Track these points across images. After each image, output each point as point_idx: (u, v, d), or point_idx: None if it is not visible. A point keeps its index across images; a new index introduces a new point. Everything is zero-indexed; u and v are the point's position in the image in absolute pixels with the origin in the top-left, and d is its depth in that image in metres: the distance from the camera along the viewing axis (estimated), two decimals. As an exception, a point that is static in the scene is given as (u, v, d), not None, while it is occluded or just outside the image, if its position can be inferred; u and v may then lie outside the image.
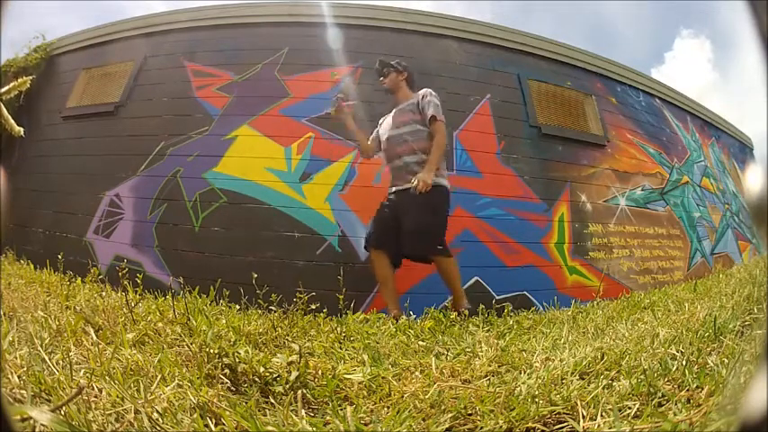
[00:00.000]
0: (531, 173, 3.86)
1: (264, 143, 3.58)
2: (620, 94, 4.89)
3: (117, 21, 4.58)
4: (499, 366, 1.13)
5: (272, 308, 1.67)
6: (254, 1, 4.22)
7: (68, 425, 0.60)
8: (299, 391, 0.86)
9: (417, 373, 1.06)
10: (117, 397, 0.73)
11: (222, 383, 0.94)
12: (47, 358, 0.88)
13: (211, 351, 1.01)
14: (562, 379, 0.95)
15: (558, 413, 0.79)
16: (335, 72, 2.59)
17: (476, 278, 3.36)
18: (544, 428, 0.76)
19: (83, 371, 0.85)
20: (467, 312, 2.12)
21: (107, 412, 0.69)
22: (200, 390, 0.82)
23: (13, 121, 1.06)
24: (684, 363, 0.95)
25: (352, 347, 1.37)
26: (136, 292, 1.92)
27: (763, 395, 0.29)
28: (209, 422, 0.72)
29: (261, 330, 1.47)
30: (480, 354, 1.23)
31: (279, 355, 1.06)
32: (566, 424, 0.76)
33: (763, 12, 0.34)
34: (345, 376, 1.00)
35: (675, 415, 0.73)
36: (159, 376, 0.87)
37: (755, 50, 0.35)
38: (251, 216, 3.40)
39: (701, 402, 0.78)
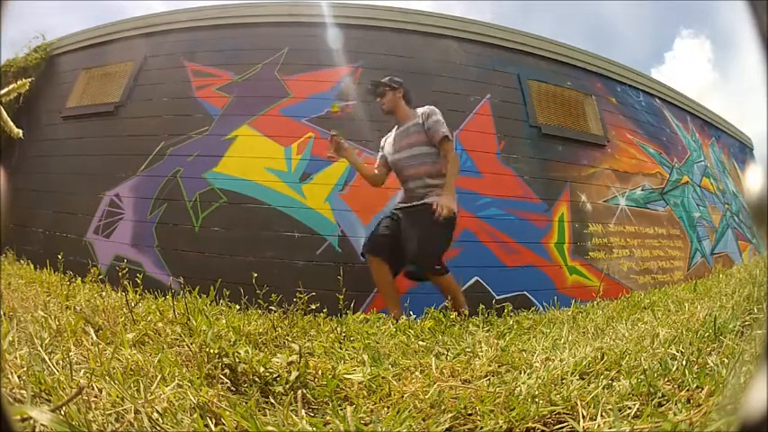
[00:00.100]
0: (531, 173, 3.86)
1: (264, 143, 3.58)
2: (620, 94, 4.89)
3: (117, 21, 4.58)
4: (499, 366, 1.13)
5: (272, 308, 1.67)
6: (254, 1, 4.22)
7: (68, 425, 0.60)
8: (299, 391, 0.86)
9: (417, 373, 1.06)
10: (117, 397, 0.73)
11: (222, 383, 0.94)
12: (47, 358, 0.88)
13: (211, 351, 1.01)
14: (562, 379, 0.95)
15: (558, 413, 0.79)
16: (335, 104, 2.50)
17: (476, 278, 3.36)
18: (544, 428, 0.76)
19: (83, 371, 0.85)
20: (467, 312, 2.12)
21: (107, 412, 0.69)
22: (200, 390, 0.82)
23: (12, 123, 1.06)
24: (684, 363, 0.95)
25: (352, 347, 1.37)
26: (136, 292, 1.92)
27: (763, 395, 0.29)
28: (209, 422, 0.72)
29: (261, 330, 1.47)
30: (480, 354, 1.23)
31: (279, 355, 1.06)
32: (566, 424, 0.76)
33: (763, 12, 0.34)
34: (345, 376, 1.00)
35: (675, 415, 0.73)
36: (159, 376, 0.86)
37: (755, 50, 0.35)
38: (251, 216, 3.41)
39: (701, 402, 0.78)
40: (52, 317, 1.24)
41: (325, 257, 3.29)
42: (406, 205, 2.48)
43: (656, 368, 0.95)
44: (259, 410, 0.83)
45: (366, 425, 0.76)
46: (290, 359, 1.01)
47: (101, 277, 2.13)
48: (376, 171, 2.67)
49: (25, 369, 0.78)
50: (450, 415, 0.79)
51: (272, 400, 0.88)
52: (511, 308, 2.26)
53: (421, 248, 2.28)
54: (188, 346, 1.12)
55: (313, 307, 1.71)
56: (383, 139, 2.74)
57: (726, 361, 0.95)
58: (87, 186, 3.89)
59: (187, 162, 3.62)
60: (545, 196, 3.84)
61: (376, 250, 2.44)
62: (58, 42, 4.88)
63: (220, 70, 3.89)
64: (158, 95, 4.01)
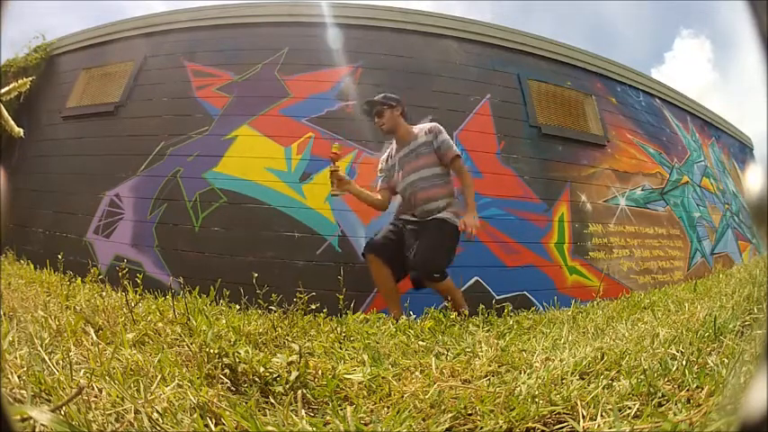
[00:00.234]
0: (531, 173, 3.86)
1: (264, 143, 3.58)
2: (620, 94, 4.89)
3: (117, 21, 4.58)
4: (499, 366, 1.13)
5: (272, 308, 1.67)
6: (254, 1, 4.22)
7: (68, 425, 0.60)
8: (299, 391, 0.86)
9: (417, 373, 1.06)
10: (117, 397, 0.73)
11: (222, 383, 0.94)
12: (47, 358, 0.88)
13: (211, 351, 1.01)
14: (562, 379, 0.95)
15: (558, 413, 0.79)
16: (335, 146, 2.44)
17: (476, 278, 3.36)
18: (544, 428, 0.76)
19: (83, 371, 0.85)
20: (467, 312, 2.12)
21: (107, 412, 0.69)
22: (200, 390, 0.82)
23: (12, 123, 1.06)
24: (684, 363, 0.95)
25: (352, 347, 1.37)
26: (136, 292, 1.92)
27: (763, 395, 0.29)
28: (209, 422, 0.72)
29: (261, 330, 1.47)
30: (480, 354, 1.23)
31: (279, 355, 1.06)
32: (566, 424, 0.76)
33: (763, 12, 0.34)
34: (345, 376, 1.00)
35: (675, 415, 0.73)
36: (159, 376, 0.87)
37: (755, 50, 0.35)
38: (251, 216, 3.41)
39: (701, 402, 0.78)
40: (52, 317, 1.24)
41: (325, 257, 3.29)
42: (416, 219, 2.44)
43: (656, 368, 0.95)
44: (259, 410, 0.83)
45: (366, 425, 0.76)
46: (290, 359, 1.01)
47: (101, 277, 2.13)
48: (379, 196, 2.59)
49: (25, 369, 0.78)
50: (450, 415, 0.79)
51: (272, 400, 0.88)
52: (511, 308, 2.26)
53: (428, 258, 2.25)
54: (188, 346, 1.12)
55: (313, 307, 1.71)
56: (382, 161, 2.67)
57: (726, 361, 0.95)
58: (87, 186, 3.89)
59: (187, 162, 3.62)
60: (545, 196, 3.84)
61: (378, 251, 2.43)
62: (58, 42, 4.88)
63: (220, 70, 3.89)
64: (158, 95, 4.01)
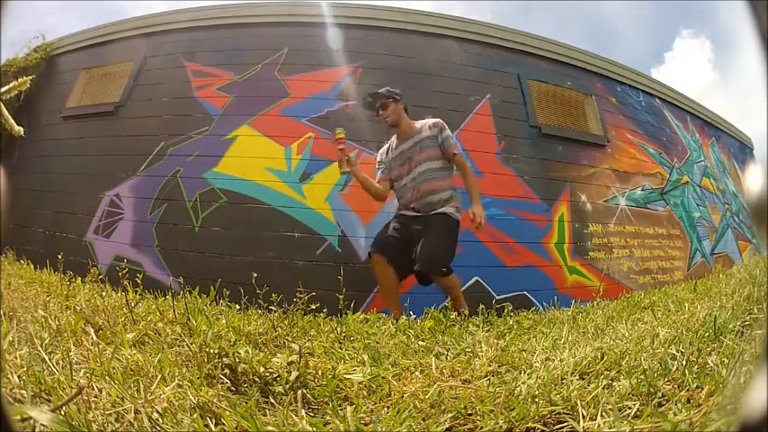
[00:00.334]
0: (531, 173, 3.86)
1: (264, 143, 3.58)
2: (620, 94, 4.89)
3: (117, 21, 4.58)
4: (499, 366, 1.13)
5: (272, 308, 1.67)
6: (254, 1, 4.22)
7: (68, 425, 0.60)
8: (299, 391, 0.86)
9: (417, 373, 1.06)
10: (117, 397, 0.73)
11: (222, 383, 0.94)
12: (47, 358, 0.88)
13: (211, 351, 1.01)
14: (562, 379, 0.95)
15: (558, 413, 0.79)
16: (339, 131, 2.45)
17: (476, 278, 3.36)
18: (544, 428, 0.76)
19: (83, 371, 0.85)
20: (467, 312, 2.12)
21: (107, 412, 0.69)
22: (200, 390, 0.82)
23: (13, 121, 1.06)
24: (684, 363, 0.95)
25: (352, 347, 1.37)
26: (136, 292, 1.92)
27: (763, 395, 0.29)
28: (209, 422, 0.72)
29: (261, 330, 1.47)
30: (480, 354, 1.23)
31: (279, 355, 1.06)
32: (566, 424, 0.76)
33: (763, 12, 0.34)
34: (345, 376, 1.00)
35: (675, 415, 0.73)
36: (159, 376, 0.87)
37: (755, 50, 0.35)
38: (251, 216, 3.41)
39: (701, 402, 0.78)
40: (52, 317, 1.24)
41: (325, 257, 3.29)
42: (418, 214, 2.46)
43: (656, 368, 0.95)
44: (259, 410, 0.83)
45: (366, 425, 0.76)
46: (290, 359, 1.01)
47: (101, 277, 2.13)
48: (380, 186, 2.61)
49: (25, 369, 0.78)
50: (450, 415, 0.79)
51: (272, 400, 0.88)
52: (511, 308, 2.26)
53: (433, 254, 2.29)
54: (188, 346, 1.12)
55: (313, 307, 1.71)
56: (380, 154, 2.68)
57: (726, 361, 0.95)
58: (87, 186, 3.89)
59: (187, 162, 3.62)
60: (545, 196, 3.84)
61: (383, 250, 2.45)
62: (58, 42, 4.88)
63: (220, 70, 3.89)
64: (158, 95, 4.01)
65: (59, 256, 2.56)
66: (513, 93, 4.10)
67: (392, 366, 1.14)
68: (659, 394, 0.82)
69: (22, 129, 1.07)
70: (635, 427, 0.70)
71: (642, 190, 4.55)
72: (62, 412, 0.63)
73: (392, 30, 4.02)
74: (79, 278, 2.22)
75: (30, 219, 4.04)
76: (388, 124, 2.56)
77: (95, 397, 0.73)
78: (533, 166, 3.90)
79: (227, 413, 0.74)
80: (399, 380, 1.01)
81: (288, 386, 0.93)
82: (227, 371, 0.97)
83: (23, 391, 0.70)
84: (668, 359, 0.99)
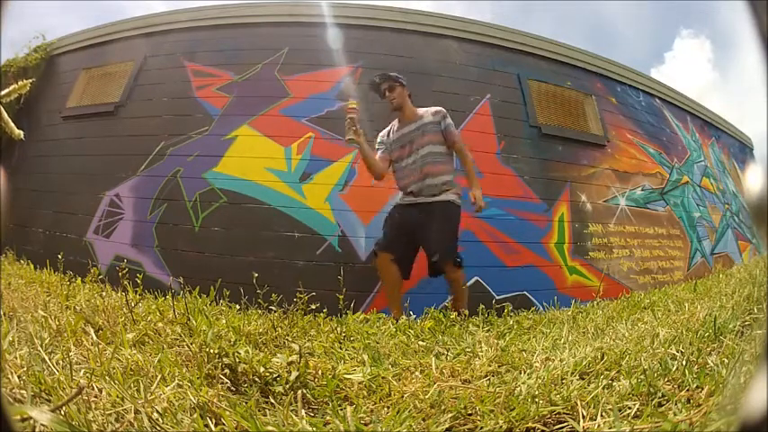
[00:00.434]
0: (531, 173, 3.86)
1: (264, 143, 3.58)
2: (620, 94, 4.89)
3: (117, 21, 4.58)
4: (499, 366, 1.13)
5: (272, 308, 1.67)
6: (254, 1, 4.22)
7: (68, 425, 0.60)
8: (299, 391, 0.86)
9: (417, 373, 1.06)
10: (117, 397, 0.73)
11: (222, 383, 0.94)
12: (47, 358, 0.88)
13: (211, 351, 1.01)
14: (562, 379, 0.95)
15: (558, 413, 0.79)
16: (353, 101, 2.48)
17: (476, 278, 3.36)
18: (544, 428, 0.76)
19: (83, 371, 0.85)
20: (467, 312, 2.12)
21: (107, 412, 0.69)
22: (200, 390, 0.82)
23: (13, 125, 1.06)
24: (684, 363, 0.95)
25: (352, 347, 1.37)
26: (136, 292, 1.92)
27: (763, 395, 0.29)
28: (209, 422, 0.72)
29: (261, 330, 1.47)
30: (480, 354, 1.23)
31: (279, 355, 1.06)
32: (566, 424, 0.76)
33: (763, 12, 0.34)
34: (345, 376, 1.00)
35: (675, 415, 0.73)
36: (159, 376, 0.87)
37: (755, 50, 0.35)
38: (251, 216, 3.41)
39: (701, 402, 0.78)
40: (52, 317, 1.24)
41: (325, 257, 3.29)
42: (419, 201, 2.49)
43: (656, 368, 0.95)
44: (259, 410, 0.83)
45: (366, 425, 0.76)
46: (290, 359, 1.01)
47: (101, 277, 2.13)
48: (380, 163, 2.63)
49: (25, 369, 0.78)
50: (450, 415, 0.79)
51: (272, 400, 0.88)
52: (511, 308, 2.26)
53: (449, 243, 2.39)
54: (188, 346, 1.12)
55: (313, 307, 1.71)
56: (382, 135, 2.71)
57: (726, 361, 0.95)
58: (87, 186, 3.89)
59: (187, 162, 3.62)
60: (545, 196, 3.84)
61: (389, 248, 2.47)
62: (58, 42, 4.88)
63: (220, 70, 3.89)
64: (158, 95, 4.01)
65: (59, 256, 2.56)
66: (513, 93, 4.10)
67: (392, 366, 1.14)
68: (659, 394, 0.82)
69: (22, 132, 1.07)
70: (635, 427, 0.70)
71: (642, 190, 4.55)
72: (62, 412, 0.63)
73: (392, 30, 4.02)
74: (79, 278, 2.22)
75: (30, 219, 4.04)
76: (392, 106, 2.60)
77: (95, 397, 0.73)
78: (533, 166, 3.90)
79: (227, 413, 0.74)
80: (399, 380, 1.01)
81: (288, 386, 0.93)
82: (227, 371, 0.97)
83: (23, 391, 0.70)
84: (668, 359, 0.99)
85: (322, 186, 3.46)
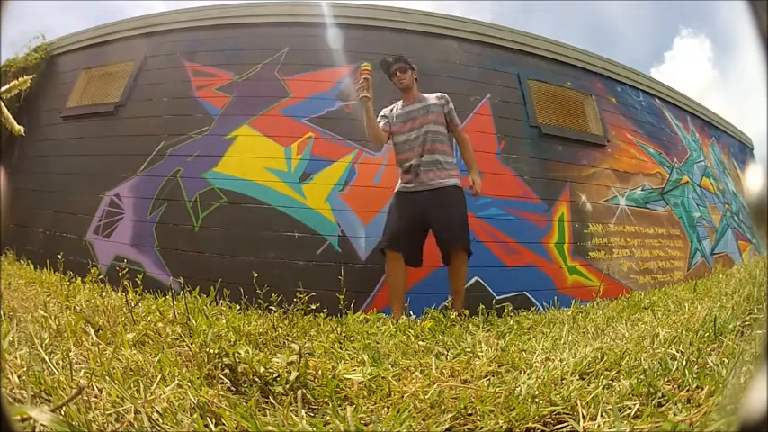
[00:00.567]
0: (531, 173, 3.86)
1: (264, 143, 3.58)
2: (620, 94, 4.89)
3: (117, 21, 4.59)
4: (499, 366, 1.13)
5: (273, 308, 1.67)
6: (254, 1, 4.22)
7: (68, 425, 0.60)
8: (299, 391, 0.86)
9: (417, 373, 1.06)
10: (117, 397, 0.73)
11: (222, 383, 0.94)
12: (47, 358, 0.88)
13: (211, 351, 1.01)
14: (562, 379, 0.95)
15: (558, 413, 0.79)
16: (367, 64, 2.54)
17: (476, 278, 3.36)
18: (544, 428, 0.76)
19: (83, 371, 0.85)
20: (467, 312, 2.12)
21: (107, 412, 0.69)
22: (200, 390, 0.82)
23: (13, 120, 1.06)
24: (684, 363, 0.95)
25: (352, 347, 1.37)
26: (136, 292, 1.92)
27: (763, 395, 0.29)
28: (210, 422, 0.72)
29: (261, 330, 1.47)
30: (480, 354, 1.23)
31: (279, 355, 1.06)
32: (566, 424, 0.76)
33: (763, 12, 0.34)
34: (345, 376, 1.00)
35: (675, 415, 0.73)
36: (159, 376, 0.86)
37: (755, 50, 0.34)
38: (251, 216, 3.41)
39: (701, 402, 0.78)
40: (52, 317, 1.24)
41: (325, 257, 3.29)
42: (430, 187, 2.50)
43: (656, 368, 0.95)
44: (259, 410, 0.83)
45: (366, 425, 0.76)
46: (290, 359, 1.01)
47: (101, 277, 2.13)
48: (381, 131, 2.66)
49: (25, 369, 0.78)
50: (450, 415, 0.79)
51: (272, 400, 0.88)
52: (511, 308, 2.26)
53: (466, 230, 2.46)
54: (188, 346, 1.12)
55: (313, 307, 1.71)
56: (385, 110, 2.73)
57: (726, 361, 0.95)
58: (87, 186, 3.89)
59: (187, 162, 3.62)
60: (545, 196, 3.84)
61: (397, 246, 2.48)
62: (58, 42, 4.88)
63: (220, 70, 3.89)
64: (158, 95, 4.01)
65: (59, 256, 2.56)
66: (513, 93, 4.10)
67: (392, 366, 1.14)
68: (659, 394, 0.82)
69: (22, 128, 1.07)
70: (635, 427, 0.70)
71: (642, 190, 4.55)
72: (62, 412, 0.63)
73: (392, 30, 4.02)
74: (79, 278, 2.22)
75: (30, 219, 4.04)
76: (401, 86, 2.67)
77: (95, 397, 0.73)
78: (533, 166, 3.90)
79: (227, 413, 0.74)
80: (399, 380, 1.01)
81: (288, 386, 0.93)
82: (227, 371, 0.97)
83: (23, 391, 0.70)
84: (668, 359, 0.99)
85: (322, 186, 3.46)
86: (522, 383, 0.91)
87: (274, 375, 0.97)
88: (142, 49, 4.28)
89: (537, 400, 0.82)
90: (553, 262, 3.70)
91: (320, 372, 1.02)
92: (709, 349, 1.09)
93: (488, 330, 1.76)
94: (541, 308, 2.75)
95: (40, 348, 0.92)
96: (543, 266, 3.64)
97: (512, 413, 0.78)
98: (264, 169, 3.50)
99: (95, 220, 3.75)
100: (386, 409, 0.87)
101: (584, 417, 0.76)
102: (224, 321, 1.53)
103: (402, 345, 1.42)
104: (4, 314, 1.24)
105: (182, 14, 4.28)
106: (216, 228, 3.43)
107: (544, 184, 3.88)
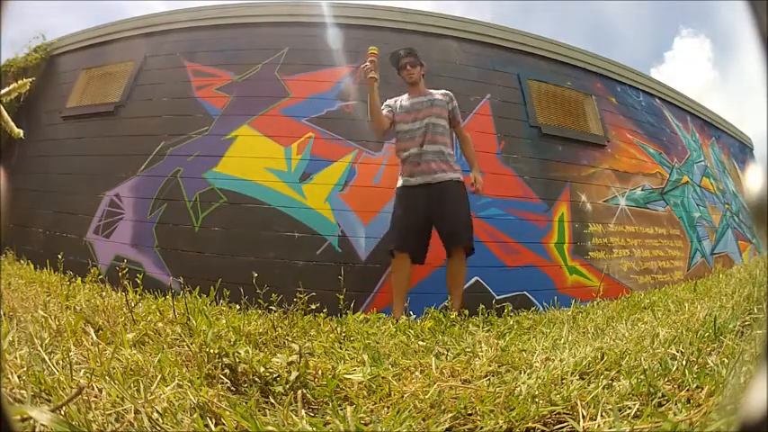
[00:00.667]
0: (531, 173, 3.86)
1: (264, 143, 3.58)
2: (620, 94, 4.89)
3: (117, 21, 4.58)
4: (499, 366, 1.13)
5: (272, 308, 1.67)
6: (254, 1, 4.22)
7: (68, 425, 0.60)
8: (299, 391, 0.86)
9: (417, 373, 1.06)
10: (117, 397, 0.73)
11: (222, 383, 0.94)
12: (47, 358, 0.88)
13: (211, 351, 1.01)
14: (562, 379, 0.95)
15: (558, 413, 0.79)
16: (374, 48, 2.61)
17: (476, 278, 3.36)
18: (544, 428, 0.76)
19: (83, 371, 0.85)
20: (467, 312, 2.12)
21: (107, 412, 0.69)
22: (201, 390, 0.82)
23: (12, 124, 1.06)
24: (684, 363, 0.95)
25: (352, 347, 1.37)
26: (136, 292, 1.92)
27: (763, 395, 0.29)
28: (210, 422, 0.72)
29: (261, 330, 1.47)
30: (480, 354, 1.23)
31: (279, 355, 1.06)
32: (566, 424, 0.76)
33: (763, 12, 0.34)
34: (345, 376, 1.00)
35: (675, 415, 0.73)
36: (159, 376, 0.86)
37: (755, 50, 0.34)
38: (251, 216, 3.40)
39: (701, 402, 0.78)
40: (52, 317, 1.24)
41: (325, 257, 3.29)
42: (436, 180, 2.52)
43: (656, 368, 0.95)
44: (259, 410, 0.83)
45: (366, 425, 0.76)
46: (290, 359, 1.01)
47: (101, 277, 2.13)
48: (384, 117, 2.68)
49: (25, 369, 0.78)
50: (450, 415, 0.79)
51: (272, 400, 0.88)
52: (511, 308, 2.26)
53: (470, 226, 2.51)
54: (188, 346, 1.12)
55: (313, 307, 1.71)
56: (391, 100, 2.76)
57: (726, 361, 0.95)
58: (87, 186, 3.88)
59: (187, 162, 3.62)
60: (545, 196, 3.84)
61: (405, 247, 2.50)
62: (58, 42, 4.88)
63: (220, 70, 3.89)
64: (158, 95, 4.01)
65: (59, 256, 2.56)
66: (513, 93, 4.10)
67: (392, 366, 1.14)
68: (659, 394, 0.82)
69: (22, 131, 1.07)
70: (635, 427, 0.70)
71: (642, 190, 4.55)
72: (62, 412, 0.63)
73: (392, 30, 4.01)
74: (79, 278, 2.22)
75: (30, 219, 4.04)
76: (409, 80, 2.70)
77: (95, 397, 0.73)
78: (533, 166, 3.90)
79: (227, 413, 0.74)
80: (399, 380, 1.01)
81: (288, 386, 0.93)
82: (227, 371, 0.97)
83: (23, 391, 0.70)
84: (668, 359, 0.99)
85: (322, 186, 3.46)
86: (522, 383, 0.91)
87: (274, 375, 0.97)
88: (142, 49, 4.28)
89: (537, 400, 0.82)
90: (553, 262, 3.70)
91: (320, 372, 1.02)
92: (709, 349, 1.09)
93: (488, 330, 1.76)
94: (541, 308, 2.75)
95: (40, 348, 0.92)
96: (543, 266, 3.64)
97: (512, 413, 0.78)
98: (264, 169, 3.50)
99: (95, 220, 3.75)
100: (386, 409, 0.87)
101: (584, 417, 0.76)
102: (224, 321, 1.53)
103: (402, 345, 1.42)
104: (4, 314, 1.24)
105: (182, 14, 4.28)
106: (216, 228, 3.43)
107: (544, 184, 3.88)
